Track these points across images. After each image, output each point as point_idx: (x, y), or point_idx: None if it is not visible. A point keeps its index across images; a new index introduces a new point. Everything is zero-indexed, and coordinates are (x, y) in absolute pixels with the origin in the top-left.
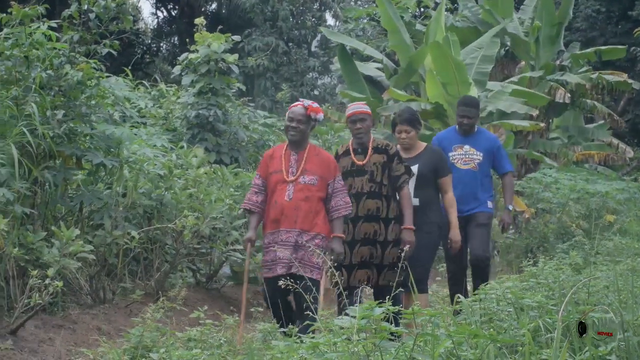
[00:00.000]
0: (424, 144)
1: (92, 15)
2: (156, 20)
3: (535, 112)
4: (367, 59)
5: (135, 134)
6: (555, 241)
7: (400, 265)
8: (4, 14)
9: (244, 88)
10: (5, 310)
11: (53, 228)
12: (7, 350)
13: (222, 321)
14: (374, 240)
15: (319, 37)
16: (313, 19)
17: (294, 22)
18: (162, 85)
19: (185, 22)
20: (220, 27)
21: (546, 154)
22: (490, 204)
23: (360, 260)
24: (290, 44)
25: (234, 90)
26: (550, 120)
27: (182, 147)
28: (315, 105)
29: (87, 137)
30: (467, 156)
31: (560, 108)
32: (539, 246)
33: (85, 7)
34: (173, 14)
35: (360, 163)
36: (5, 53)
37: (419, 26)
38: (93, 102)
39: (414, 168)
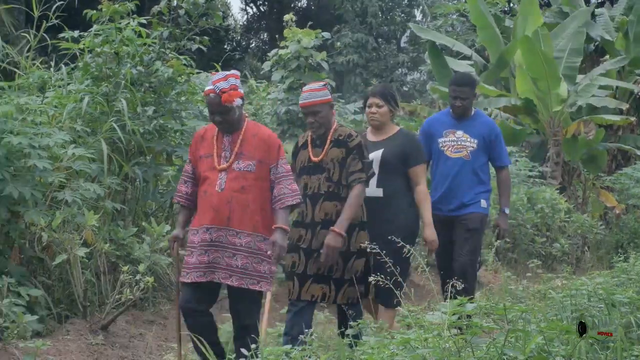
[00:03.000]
0: (398, 127)
1: (181, 12)
2: (245, 16)
3: (625, 106)
4: (456, 54)
5: None
6: None
7: (360, 278)
8: (94, 11)
9: (333, 84)
10: (96, 305)
11: (144, 224)
12: (98, 346)
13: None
14: None
15: (408, 32)
16: (402, 15)
17: (383, 18)
18: (252, 81)
19: (274, 18)
20: (310, 23)
21: (637, 149)
22: (484, 203)
23: (316, 272)
24: (380, 39)
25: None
26: None
27: None
28: (231, 83)
29: (178, 133)
30: (458, 143)
31: None
32: (629, 242)
33: (175, 3)
34: (262, 10)
35: (316, 159)
36: (96, 50)
37: (507, 22)
38: (183, 98)
39: (377, 154)
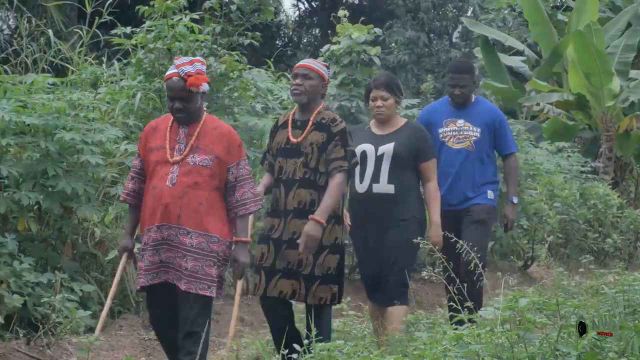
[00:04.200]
0: (404, 120)
1: (233, 7)
2: (297, 12)
3: None
4: (508, 50)
5: None
6: None
7: (334, 276)
8: (147, 7)
9: None
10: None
11: None
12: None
13: (364, 312)
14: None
15: (459, 28)
16: (454, 10)
17: (435, 14)
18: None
19: (326, 14)
20: (362, 18)
21: None
22: (491, 195)
23: (286, 266)
24: (432, 35)
25: None
26: None
27: None
28: (197, 67)
29: None
30: (461, 133)
31: None
32: None
33: None
34: (314, 5)
35: (295, 140)
36: (149, 46)
37: (560, 16)
38: (236, 94)
39: (388, 147)
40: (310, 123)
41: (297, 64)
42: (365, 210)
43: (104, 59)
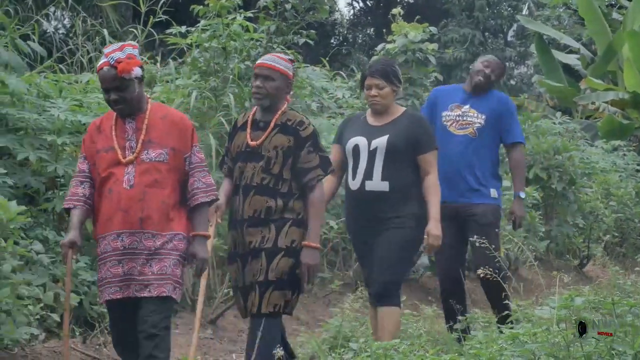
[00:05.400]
0: (403, 109)
1: (288, 6)
2: (352, 10)
3: None
4: (563, 47)
5: (333, 125)
6: None
7: (287, 282)
8: (202, 6)
9: (441, 78)
10: (205, 300)
11: None
12: (206, 340)
13: (420, 311)
14: (259, 250)
15: (514, 26)
16: (509, 9)
17: (490, 12)
18: (359, 76)
19: (381, 12)
20: (417, 17)
21: None
22: (495, 193)
23: (252, 278)
24: (487, 33)
25: (431, 80)
26: None
27: None
28: (128, 52)
29: None
30: (464, 118)
31: None
32: None
33: None
34: (369, 4)
35: (254, 144)
36: (204, 45)
37: (615, 14)
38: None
39: (382, 140)
40: (272, 124)
41: (257, 62)
42: (358, 208)
43: (159, 58)
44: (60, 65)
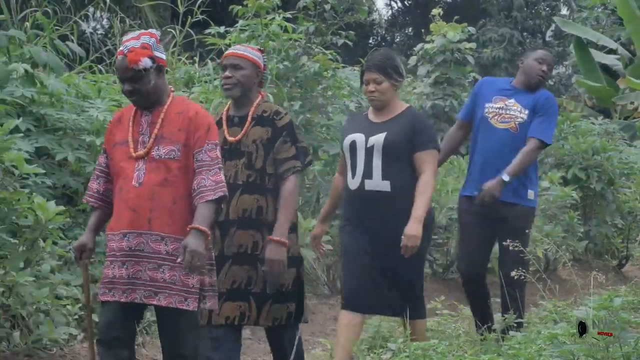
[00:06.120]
0: (405, 105)
1: (327, 6)
2: (390, 11)
3: None
4: (602, 47)
5: None
6: None
7: (290, 293)
8: (240, 7)
9: (479, 78)
10: None
11: None
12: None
13: (459, 312)
14: (253, 257)
15: (553, 26)
16: (547, 9)
17: (528, 12)
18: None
19: (419, 13)
20: (456, 17)
21: None
22: (532, 194)
23: (230, 287)
24: (525, 33)
25: (469, 80)
26: None
27: None
28: (143, 41)
29: (324, 128)
30: (506, 112)
31: None
32: None
33: None
34: (407, 4)
35: (233, 139)
36: None
37: None
38: (329, 93)
39: (379, 137)
40: (249, 118)
41: (225, 53)
42: (358, 209)
43: (197, 58)
44: (99, 66)
